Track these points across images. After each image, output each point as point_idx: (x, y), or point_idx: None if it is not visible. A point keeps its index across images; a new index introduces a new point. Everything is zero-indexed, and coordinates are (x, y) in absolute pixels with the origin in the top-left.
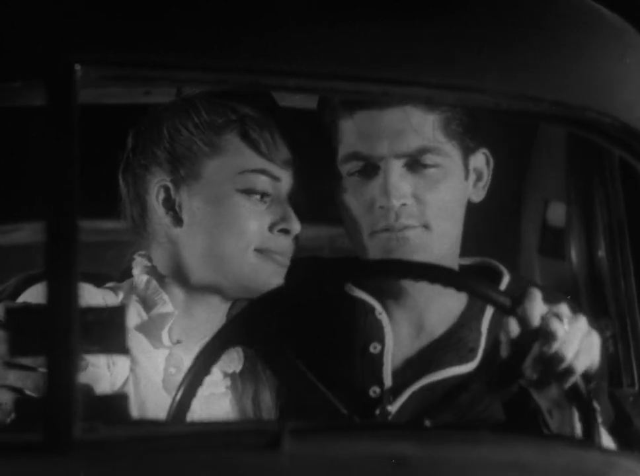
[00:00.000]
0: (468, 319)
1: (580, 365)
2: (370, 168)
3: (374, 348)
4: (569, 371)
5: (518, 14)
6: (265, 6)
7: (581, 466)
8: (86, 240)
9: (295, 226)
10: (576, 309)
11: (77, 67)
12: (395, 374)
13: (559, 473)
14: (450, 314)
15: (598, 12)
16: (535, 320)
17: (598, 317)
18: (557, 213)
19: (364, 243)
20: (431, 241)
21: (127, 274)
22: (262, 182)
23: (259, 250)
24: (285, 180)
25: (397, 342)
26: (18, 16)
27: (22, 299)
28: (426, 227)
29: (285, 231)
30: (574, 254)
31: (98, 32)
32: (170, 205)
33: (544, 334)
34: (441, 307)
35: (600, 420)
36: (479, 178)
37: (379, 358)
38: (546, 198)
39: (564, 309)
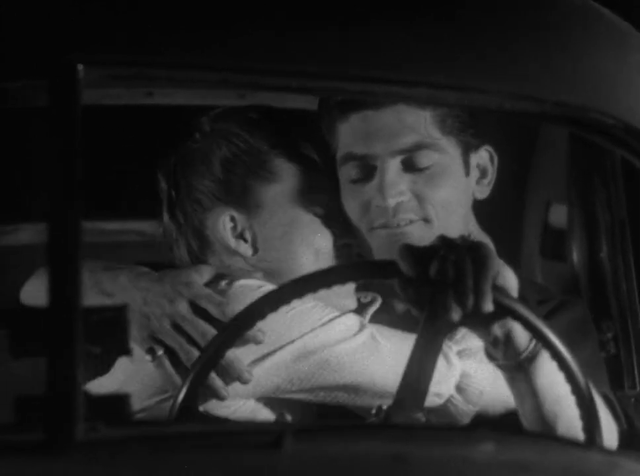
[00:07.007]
0: None
1: (483, 280)
2: (367, 171)
3: None
4: (478, 291)
5: (521, 14)
6: (268, 7)
7: (582, 466)
8: (90, 242)
9: (353, 239)
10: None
11: (80, 67)
12: None
13: (559, 473)
14: None
15: (600, 13)
16: (416, 270)
17: (599, 318)
18: (559, 215)
19: (365, 239)
20: (432, 235)
21: None
22: (321, 200)
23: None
24: (335, 193)
25: None
26: (21, 16)
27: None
28: (426, 220)
29: (348, 246)
30: (575, 256)
31: (101, 31)
32: (238, 234)
33: (433, 275)
34: None
35: None
36: (482, 174)
37: None
38: (548, 200)
39: (441, 240)
